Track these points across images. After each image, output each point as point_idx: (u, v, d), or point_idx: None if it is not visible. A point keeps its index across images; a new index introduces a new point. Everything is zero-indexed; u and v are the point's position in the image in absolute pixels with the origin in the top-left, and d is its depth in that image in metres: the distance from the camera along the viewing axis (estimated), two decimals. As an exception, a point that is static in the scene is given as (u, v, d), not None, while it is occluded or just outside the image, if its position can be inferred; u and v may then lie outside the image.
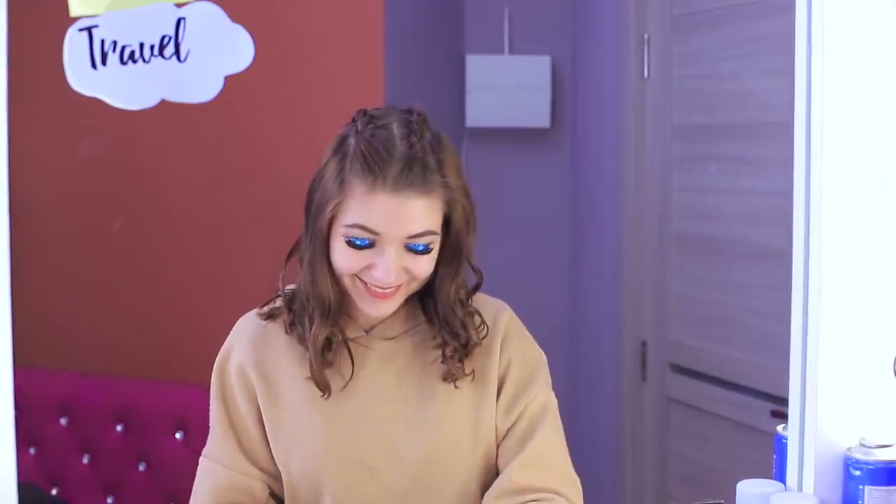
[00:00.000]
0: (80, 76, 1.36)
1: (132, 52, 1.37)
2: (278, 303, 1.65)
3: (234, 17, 1.41)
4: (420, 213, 1.48)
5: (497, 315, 1.65)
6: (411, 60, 3.42)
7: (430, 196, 1.49)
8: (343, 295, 1.58)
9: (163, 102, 1.39)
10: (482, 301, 1.66)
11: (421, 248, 1.51)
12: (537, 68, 3.65)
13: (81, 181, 3.35)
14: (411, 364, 1.61)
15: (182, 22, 1.38)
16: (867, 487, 1.41)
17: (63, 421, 3.19)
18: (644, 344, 3.30)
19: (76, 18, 1.36)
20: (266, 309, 1.66)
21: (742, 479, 1.52)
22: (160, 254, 3.31)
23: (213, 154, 3.25)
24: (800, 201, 1.47)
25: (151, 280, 3.33)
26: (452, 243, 1.56)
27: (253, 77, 1.50)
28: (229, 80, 1.40)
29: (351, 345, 1.60)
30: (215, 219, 3.27)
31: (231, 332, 1.68)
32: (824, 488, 1.45)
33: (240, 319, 1.68)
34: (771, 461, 1.57)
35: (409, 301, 1.61)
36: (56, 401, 3.18)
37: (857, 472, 1.42)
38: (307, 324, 1.59)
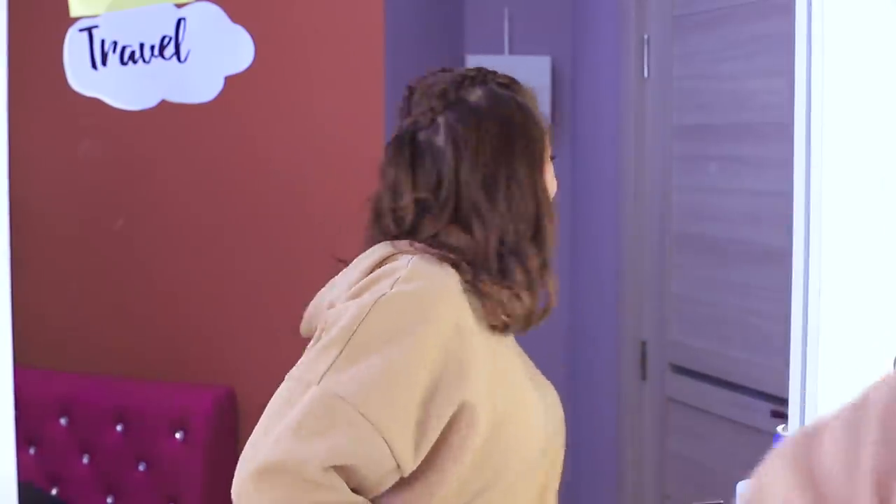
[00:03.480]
0: (81, 76, 1.36)
1: (132, 53, 1.37)
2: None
3: (234, 17, 1.41)
4: None
5: None
6: (411, 60, 3.41)
7: None
8: None
9: (163, 103, 1.40)
10: None
11: None
12: (537, 68, 3.64)
13: (81, 181, 3.35)
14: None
15: (182, 22, 1.38)
16: (867, 487, 1.40)
17: (63, 421, 3.18)
18: (644, 344, 3.30)
19: (76, 18, 1.36)
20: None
21: (742, 479, 1.51)
22: (160, 254, 3.31)
23: (213, 154, 3.25)
24: (800, 201, 1.47)
25: (151, 280, 3.32)
26: None
27: (253, 77, 1.51)
28: (229, 80, 1.40)
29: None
30: (215, 219, 3.27)
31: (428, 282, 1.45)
32: (824, 488, 1.45)
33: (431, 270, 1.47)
34: (771, 461, 1.57)
35: None
36: (56, 401, 3.18)
37: (857, 472, 1.42)
38: (516, 264, 1.56)
